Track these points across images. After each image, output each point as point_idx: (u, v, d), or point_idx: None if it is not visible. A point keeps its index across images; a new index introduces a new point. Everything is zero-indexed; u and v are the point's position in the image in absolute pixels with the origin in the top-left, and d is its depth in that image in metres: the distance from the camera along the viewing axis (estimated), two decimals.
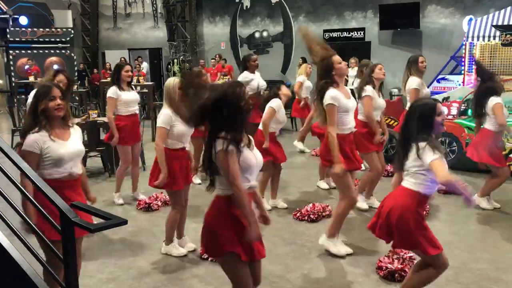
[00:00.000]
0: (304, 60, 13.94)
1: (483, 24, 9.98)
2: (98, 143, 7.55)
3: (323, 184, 6.74)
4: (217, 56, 16.24)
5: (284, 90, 5.71)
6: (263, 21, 17.12)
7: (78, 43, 19.88)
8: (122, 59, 16.16)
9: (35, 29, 17.04)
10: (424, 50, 13.45)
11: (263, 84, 7.19)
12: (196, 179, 6.73)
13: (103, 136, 7.78)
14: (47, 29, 17.29)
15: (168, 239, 4.56)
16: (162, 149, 4.29)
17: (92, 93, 17.06)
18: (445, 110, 7.81)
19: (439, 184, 3.22)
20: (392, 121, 7.69)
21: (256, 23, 17.27)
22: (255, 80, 6.87)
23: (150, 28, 19.55)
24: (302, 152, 9.02)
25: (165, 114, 4.33)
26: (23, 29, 16.94)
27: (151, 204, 5.92)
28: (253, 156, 2.85)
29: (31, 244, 2.59)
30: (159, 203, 5.98)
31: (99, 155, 7.74)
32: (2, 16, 16.61)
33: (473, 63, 6.10)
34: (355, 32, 14.92)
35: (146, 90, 12.56)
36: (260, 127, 5.60)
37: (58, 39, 17.51)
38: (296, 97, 9.06)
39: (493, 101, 5.40)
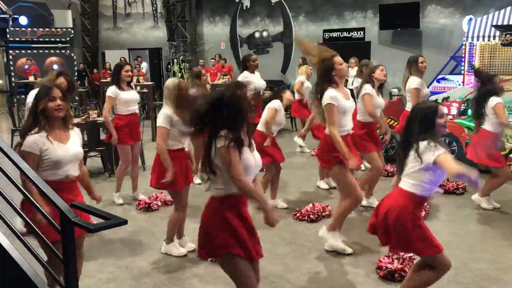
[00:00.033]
0: (304, 60, 13.95)
1: (483, 24, 9.97)
2: (98, 143, 7.55)
3: (323, 184, 6.75)
4: (217, 56, 16.24)
5: (288, 94, 5.73)
6: (263, 21, 17.12)
7: (78, 43, 19.87)
8: (122, 59, 16.15)
9: (35, 29, 17.03)
10: (424, 50, 13.44)
11: (263, 84, 7.19)
12: (196, 179, 6.74)
13: (103, 136, 7.79)
14: (47, 29, 17.28)
15: (168, 239, 4.57)
16: (164, 148, 4.29)
17: (92, 93, 17.06)
18: (445, 110, 7.82)
19: (437, 187, 3.23)
20: (392, 121, 7.69)
21: (256, 23, 17.27)
22: (255, 80, 6.87)
23: (150, 28, 19.55)
24: (301, 147, 9.03)
25: (165, 114, 4.33)
26: (23, 29, 16.93)
27: (151, 204, 5.92)
28: (253, 158, 2.85)
29: (31, 244, 2.59)
30: (159, 203, 5.98)
31: (99, 155, 7.74)
32: (2, 16, 16.59)
33: (472, 69, 6.10)
34: (355, 32, 14.92)
35: (146, 90, 12.55)
36: (259, 127, 5.60)
37: (58, 39, 17.50)
38: (296, 97, 9.06)
39: (493, 101, 5.39)
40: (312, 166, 7.67)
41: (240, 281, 2.83)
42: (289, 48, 16.64)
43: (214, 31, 18.18)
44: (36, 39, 17.08)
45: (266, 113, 5.57)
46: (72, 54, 17.85)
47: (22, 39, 16.89)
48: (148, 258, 4.55)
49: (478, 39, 9.94)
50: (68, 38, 17.73)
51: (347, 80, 9.83)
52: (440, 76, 11.88)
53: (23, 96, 13.23)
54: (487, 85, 5.47)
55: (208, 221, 2.84)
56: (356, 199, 4.43)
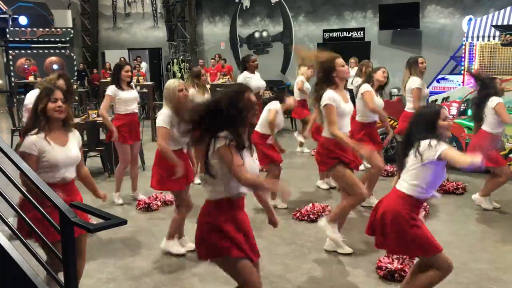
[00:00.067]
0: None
1: (483, 24, 9.97)
2: (97, 143, 7.55)
3: (323, 184, 6.75)
4: (216, 56, 16.24)
5: (291, 100, 5.73)
6: (262, 21, 17.12)
7: (78, 43, 19.87)
8: (122, 59, 16.15)
9: (34, 29, 17.03)
10: (424, 50, 13.44)
11: (263, 85, 7.19)
12: (196, 179, 6.73)
13: (103, 136, 7.79)
14: (47, 29, 17.28)
15: (170, 235, 4.56)
16: (167, 147, 4.28)
17: (92, 93, 17.06)
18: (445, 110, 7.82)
19: (434, 191, 3.21)
20: (392, 121, 7.69)
21: (255, 23, 17.26)
22: (254, 81, 6.87)
23: (150, 28, 19.54)
24: (301, 146, 9.02)
25: (165, 114, 4.33)
26: (23, 29, 16.93)
27: (151, 204, 5.92)
28: (253, 162, 2.85)
29: (30, 245, 2.59)
30: (159, 203, 5.98)
31: (99, 155, 7.74)
32: (2, 16, 16.60)
33: (472, 77, 6.07)
34: (355, 32, 14.91)
35: (146, 90, 12.56)
36: (257, 128, 5.61)
37: (57, 39, 17.50)
38: (297, 97, 9.06)
39: (494, 101, 5.36)
40: (312, 166, 7.66)
41: (243, 279, 2.81)
42: (289, 48, 16.64)
43: (214, 31, 18.18)
44: (36, 39, 17.08)
45: (266, 114, 5.57)
46: (72, 54, 17.85)
47: (22, 39, 16.89)
48: (148, 258, 4.55)
49: (478, 39, 9.94)
50: (68, 38, 17.73)
51: (346, 80, 9.81)
52: (440, 76, 11.88)
53: (22, 96, 13.19)
54: (487, 88, 5.45)
55: (202, 226, 2.84)
56: (360, 195, 4.40)
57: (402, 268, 4.00)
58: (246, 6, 17.32)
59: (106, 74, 15.61)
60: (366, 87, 5.50)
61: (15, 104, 13.28)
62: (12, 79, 16.65)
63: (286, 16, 16.55)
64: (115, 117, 6.11)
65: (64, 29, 17.69)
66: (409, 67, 6.12)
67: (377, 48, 14.49)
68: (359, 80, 7.53)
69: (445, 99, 8.23)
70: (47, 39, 17.29)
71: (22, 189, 2.63)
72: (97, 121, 7.50)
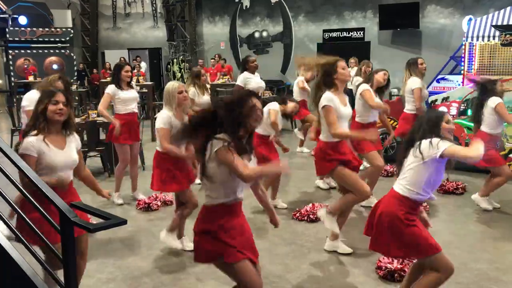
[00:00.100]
0: None
1: (483, 24, 9.98)
2: (97, 143, 7.55)
3: (323, 184, 6.74)
4: (216, 56, 16.24)
5: (292, 106, 5.71)
6: (262, 21, 17.12)
7: (78, 43, 19.87)
8: (122, 59, 16.15)
9: (34, 28, 17.02)
10: (424, 50, 13.45)
11: (263, 85, 7.19)
12: (197, 180, 6.72)
13: (102, 136, 7.79)
14: (47, 29, 17.27)
15: (171, 228, 4.56)
16: (171, 147, 4.26)
17: (92, 93, 17.06)
18: (444, 110, 7.82)
19: (431, 193, 3.21)
20: (392, 121, 7.69)
21: (255, 23, 17.27)
22: (254, 81, 6.87)
23: (150, 28, 19.54)
24: (301, 144, 9.03)
25: (164, 114, 4.34)
26: (23, 28, 16.92)
27: (151, 204, 5.92)
28: (252, 165, 2.84)
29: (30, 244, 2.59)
30: (159, 203, 5.97)
31: (99, 155, 7.73)
32: (2, 15, 16.59)
33: (472, 83, 6.07)
34: (355, 32, 14.91)
35: (146, 90, 12.56)
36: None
37: (57, 39, 17.49)
38: (297, 97, 9.06)
39: (494, 101, 5.34)
40: (312, 166, 7.61)
41: (243, 280, 2.80)
42: (288, 48, 16.64)
43: (214, 31, 18.18)
44: (35, 39, 17.08)
45: (266, 115, 5.58)
46: (72, 54, 17.85)
47: (22, 39, 16.89)
48: (148, 258, 4.55)
49: (477, 39, 9.94)
50: (67, 38, 17.72)
51: None
52: (439, 76, 11.89)
53: (22, 96, 13.22)
54: (487, 92, 5.43)
55: (199, 231, 2.84)
56: (364, 193, 4.37)
57: (402, 268, 4.00)
58: (246, 6, 17.33)
59: (106, 74, 15.61)
60: (365, 86, 5.49)
61: (14, 104, 13.28)
62: (12, 79, 16.64)
63: (286, 16, 16.55)
64: (114, 117, 6.10)
65: (64, 29, 17.68)
66: (409, 68, 6.12)
67: (377, 48, 14.49)
68: (359, 79, 7.53)
69: (445, 99, 8.23)
70: (47, 39, 17.29)
71: (22, 189, 2.63)
72: (97, 121, 7.50)
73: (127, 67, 6.03)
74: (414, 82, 6.00)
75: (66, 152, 3.22)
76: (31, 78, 14.49)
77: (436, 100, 8.14)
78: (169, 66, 17.54)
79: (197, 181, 6.71)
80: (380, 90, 5.61)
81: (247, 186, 2.92)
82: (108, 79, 11.69)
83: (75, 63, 17.99)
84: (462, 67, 10.47)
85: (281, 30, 16.75)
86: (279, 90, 15.32)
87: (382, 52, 14.25)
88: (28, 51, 16.83)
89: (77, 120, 7.36)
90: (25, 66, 15.93)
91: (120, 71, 5.96)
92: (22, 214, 2.65)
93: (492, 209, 5.72)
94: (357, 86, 5.79)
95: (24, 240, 2.66)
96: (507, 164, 5.75)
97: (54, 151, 3.15)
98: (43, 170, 3.11)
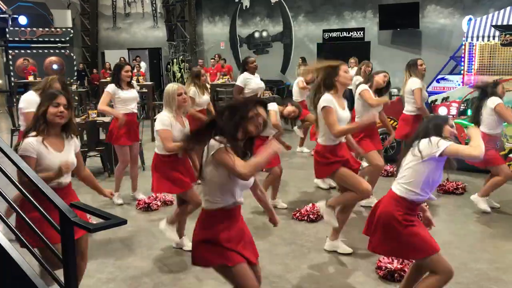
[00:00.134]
0: (304, 60, 13.95)
1: (483, 24, 9.97)
2: (97, 143, 7.55)
3: (323, 184, 6.74)
4: (216, 56, 16.25)
5: (288, 108, 5.70)
6: (262, 21, 17.12)
7: (78, 43, 19.87)
8: (122, 59, 16.16)
9: (34, 28, 17.03)
10: (424, 50, 13.45)
11: (262, 86, 7.18)
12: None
13: (102, 136, 7.79)
14: (47, 29, 17.28)
15: (171, 221, 4.55)
16: (175, 146, 4.24)
17: (92, 93, 17.05)
18: (444, 110, 7.82)
19: (430, 192, 3.20)
20: (392, 121, 7.69)
21: (255, 23, 17.27)
22: (254, 82, 6.87)
23: (150, 28, 19.55)
24: (301, 144, 9.03)
25: (165, 116, 4.34)
26: (23, 28, 16.93)
27: (151, 204, 5.92)
28: None
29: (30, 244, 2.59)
30: (159, 203, 5.97)
31: (99, 155, 7.73)
32: (2, 15, 16.60)
33: (474, 85, 6.07)
34: (355, 32, 14.91)
35: (146, 90, 12.57)
36: None
37: (57, 39, 17.50)
38: (297, 97, 9.07)
39: (494, 101, 5.33)
40: (311, 166, 7.64)
41: (240, 283, 2.80)
42: (288, 48, 16.65)
43: (214, 31, 18.18)
44: (35, 39, 17.09)
45: (271, 116, 5.58)
46: (72, 54, 17.85)
47: (22, 39, 16.90)
48: (148, 258, 4.55)
49: (477, 39, 9.93)
50: (67, 38, 17.73)
51: None
52: (439, 76, 11.88)
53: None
54: (487, 94, 5.42)
55: (199, 241, 2.84)
56: (366, 191, 4.35)
57: (402, 268, 4.00)
58: (246, 6, 17.33)
59: (106, 74, 15.60)
60: (363, 86, 5.49)
61: (14, 104, 13.27)
62: (12, 79, 16.65)
63: (286, 16, 16.55)
64: (114, 117, 6.10)
65: (64, 29, 17.69)
66: (409, 70, 6.12)
67: (377, 48, 14.50)
68: (359, 78, 7.53)
69: (445, 99, 8.23)
70: (46, 39, 17.30)
71: (22, 189, 2.63)
72: (97, 121, 7.50)
73: (127, 67, 6.03)
74: (414, 83, 6.01)
75: (65, 155, 3.22)
76: (31, 78, 14.49)
77: (436, 100, 8.14)
78: (169, 66, 17.54)
79: (199, 180, 6.76)
80: (379, 92, 5.60)
81: (247, 188, 2.92)
82: (108, 79, 11.68)
83: (75, 63, 17.99)
84: (462, 67, 10.46)
85: (281, 30, 16.75)
86: (279, 90, 15.34)
87: (382, 52, 14.26)
88: (28, 51, 16.84)
89: (77, 120, 7.36)
90: (24, 66, 15.94)
91: (120, 71, 5.96)
92: (22, 214, 2.66)
93: (490, 211, 5.67)
94: (357, 86, 5.79)
95: (24, 240, 2.67)
96: (506, 164, 5.74)
97: (53, 153, 3.16)
98: (41, 172, 3.11)
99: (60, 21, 18.04)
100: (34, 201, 2.53)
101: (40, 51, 17.09)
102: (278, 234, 5.00)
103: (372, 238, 3.32)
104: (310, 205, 5.66)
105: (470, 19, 11.39)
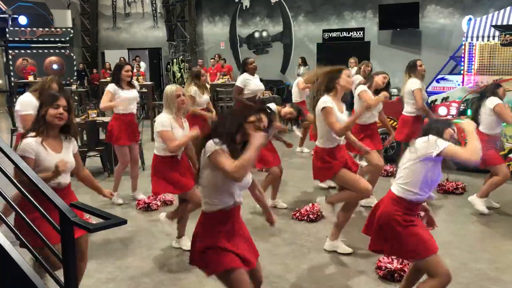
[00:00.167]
0: (304, 60, 13.95)
1: (483, 24, 9.96)
2: (97, 143, 7.55)
3: (323, 184, 6.74)
4: (216, 56, 16.25)
5: (286, 109, 5.69)
6: (262, 21, 17.11)
7: (78, 43, 19.87)
8: (122, 59, 16.16)
9: (34, 28, 17.02)
10: (424, 50, 13.45)
11: (262, 88, 7.18)
12: None
13: (102, 135, 7.79)
14: (47, 29, 17.28)
15: (171, 216, 4.59)
16: (178, 142, 4.25)
17: (92, 92, 17.05)
18: (444, 110, 7.82)
19: (428, 192, 3.19)
20: (392, 121, 7.69)
21: (255, 23, 17.26)
22: (253, 83, 6.86)
23: (150, 28, 19.54)
24: (301, 144, 9.03)
25: (164, 117, 4.34)
26: (23, 28, 16.93)
27: (151, 204, 5.92)
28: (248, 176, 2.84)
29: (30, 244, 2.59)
30: (159, 203, 5.97)
31: (98, 155, 7.73)
32: (2, 15, 16.59)
33: (476, 84, 6.07)
34: (355, 32, 14.90)
35: (146, 90, 12.57)
36: None
37: (57, 39, 17.50)
38: (297, 98, 9.07)
39: (493, 102, 5.32)
40: (311, 166, 7.66)
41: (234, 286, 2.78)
42: (288, 48, 16.64)
43: (214, 31, 18.17)
44: (35, 39, 17.09)
45: None
46: (72, 54, 17.85)
47: (22, 39, 16.89)
48: (147, 258, 4.55)
49: (477, 39, 9.93)
50: (67, 38, 17.73)
51: None
52: (439, 76, 11.87)
53: None
54: (487, 96, 5.41)
55: (195, 236, 2.84)
56: (366, 190, 4.35)
57: (402, 268, 4.00)
58: (246, 6, 17.32)
59: (106, 74, 15.60)
60: (362, 87, 5.49)
61: (14, 104, 13.27)
62: (12, 78, 16.65)
63: (286, 16, 16.55)
64: (113, 117, 6.11)
65: (63, 29, 17.68)
66: (409, 71, 6.12)
67: (376, 48, 14.49)
68: (359, 77, 7.53)
69: (445, 99, 8.23)
70: (46, 39, 17.30)
71: (22, 189, 2.63)
72: (97, 121, 7.50)
73: (127, 67, 6.04)
74: (413, 83, 6.00)
75: (63, 156, 3.22)
76: (30, 78, 14.50)
77: (436, 100, 8.14)
78: (169, 66, 17.54)
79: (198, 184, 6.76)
80: (378, 93, 5.60)
81: (245, 188, 2.92)
82: (108, 79, 11.68)
83: (75, 63, 17.99)
84: (462, 67, 10.46)
85: (281, 30, 16.74)
86: (278, 90, 15.33)
87: (382, 52, 14.25)
88: (28, 51, 16.84)
89: (77, 120, 7.36)
90: (23, 66, 15.93)
91: (120, 71, 5.96)
92: (22, 214, 2.66)
93: (488, 212, 5.63)
94: (356, 85, 5.79)
95: (23, 239, 2.66)
96: (505, 164, 5.74)
97: (52, 154, 3.16)
98: (40, 172, 3.11)
99: (60, 21, 18.04)
100: (34, 201, 2.53)
101: (40, 51, 17.09)
102: (278, 234, 5.00)
103: (372, 238, 3.32)
104: (310, 205, 5.66)
105: (470, 19, 11.38)
